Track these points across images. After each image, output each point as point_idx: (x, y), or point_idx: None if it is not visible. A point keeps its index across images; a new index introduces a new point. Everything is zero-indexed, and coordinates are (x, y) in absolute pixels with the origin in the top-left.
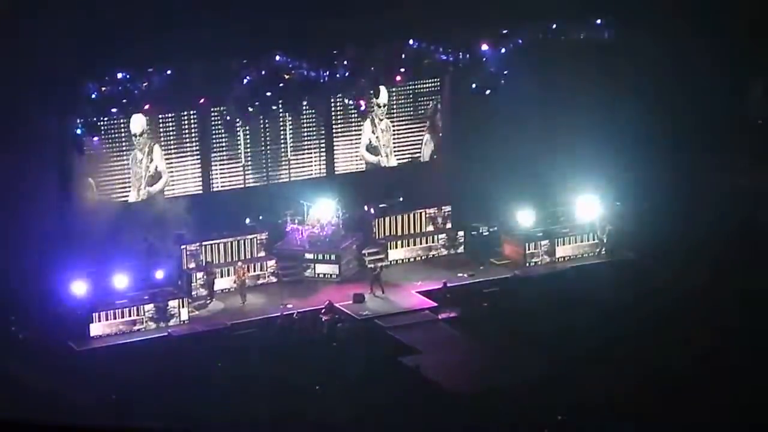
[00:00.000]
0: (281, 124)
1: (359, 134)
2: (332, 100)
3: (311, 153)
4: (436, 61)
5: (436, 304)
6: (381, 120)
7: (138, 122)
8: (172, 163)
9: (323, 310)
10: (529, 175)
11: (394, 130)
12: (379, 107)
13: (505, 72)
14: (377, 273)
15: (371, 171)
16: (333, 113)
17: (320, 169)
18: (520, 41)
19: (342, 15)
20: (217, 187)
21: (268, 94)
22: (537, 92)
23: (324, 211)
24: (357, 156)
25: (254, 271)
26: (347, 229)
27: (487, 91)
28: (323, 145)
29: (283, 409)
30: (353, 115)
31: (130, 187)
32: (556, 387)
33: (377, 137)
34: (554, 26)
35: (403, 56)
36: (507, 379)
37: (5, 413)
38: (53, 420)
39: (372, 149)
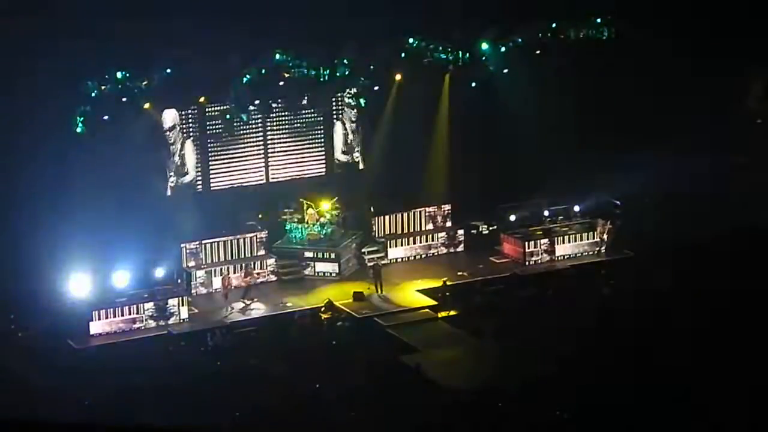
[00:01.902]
0: (281, 122)
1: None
2: (332, 99)
3: (311, 151)
4: (435, 60)
5: (436, 303)
6: (353, 122)
7: (169, 116)
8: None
9: (323, 309)
10: (529, 173)
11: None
12: (351, 108)
13: (505, 71)
14: (378, 271)
15: (371, 169)
16: (333, 111)
17: (320, 167)
18: (520, 40)
19: (342, 13)
20: (216, 185)
21: (268, 92)
22: (537, 91)
23: (324, 210)
24: (349, 157)
25: (254, 274)
26: (347, 227)
27: (486, 100)
28: (323, 143)
29: (283, 407)
30: (354, 114)
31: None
32: (556, 386)
33: (350, 139)
34: (554, 25)
35: (403, 55)
36: (506, 377)
37: (5, 412)
38: (53, 419)
39: (346, 151)
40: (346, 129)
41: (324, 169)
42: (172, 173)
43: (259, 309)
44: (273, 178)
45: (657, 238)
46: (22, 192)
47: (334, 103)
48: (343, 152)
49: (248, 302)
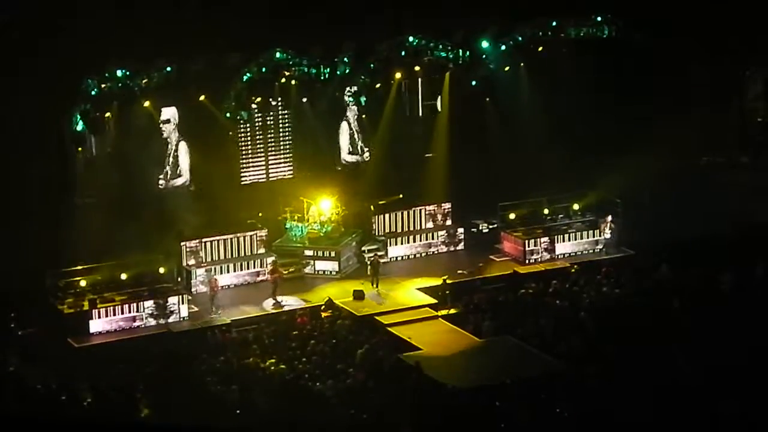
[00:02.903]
0: (281, 120)
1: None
2: (333, 97)
3: (311, 149)
4: (436, 58)
5: (436, 301)
6: (353, 120)
7: (169, 110)
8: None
9: (323, 307)
10: (529, 171)
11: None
12: (351, 106)
13: (506, 69)
14: (375, 265)
15: (371, 168)
16: (333, 109)
17: (319, 165)
18: (520, 38)
19: (342, 11)
20: (216, 184)
21: (268, 90)
22: (537, 89)
23: (324, 208)
24: (354, 154)
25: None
26: (347, 225)
27: (486, 98)
28: (323, 141)
29: (282, 406)
30: (354, 111)
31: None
32: (556, 384)
33: (349, 137)
34: (554, 23)
35: (403, 53)
36: (506, 376)
37: (4, 410)
38: (53, 418)
39: (347, 149)
40: (347, 127)
41: (323, 168)
42: (168, 170)
43: (290, 304)
44: (273, 177)
45: (657, 236)
46: (22, 190)
47: (333, 102)
48: (344, 151)
49: (279, 299)
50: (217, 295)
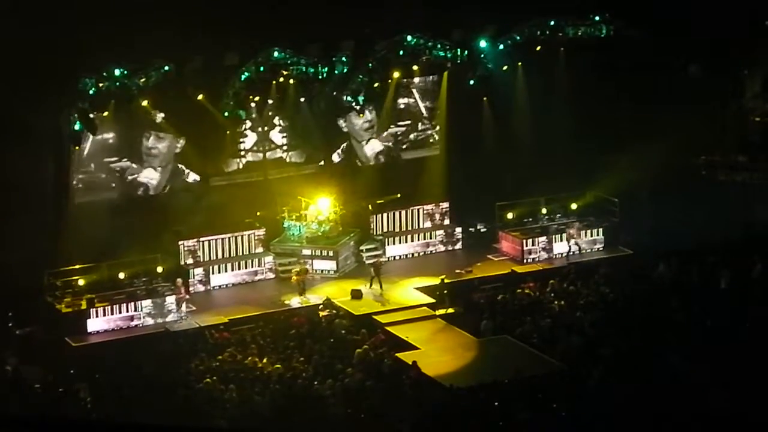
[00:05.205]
0: (279, 119)
1: (357, 129)
2: (331, 96)
3: (310, 148)
4: (434, 57)
5: (434, 301)
6: (351, 119)
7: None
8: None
9: (321, 306)
10: (527, 171)
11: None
12: (349, 105)
13: (504, 68)
14: (378, 268)
15: (370, 166)
16: (331, 109)
17: (318, 164)
18: (518, 38)
19: (341, 10)
20: (216, 182)
21: (266, 89)
22: (534, 88)
23: (322, 207)
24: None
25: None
26: (345, 224)
27: (484, 98)
28: (322, 140)
29: (281, 404)
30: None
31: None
32: (554, 383)
33: (348, 136)
34: (552, 23)
35: (401, 52)
36: (504, 375)
37: (2, 410)
38: (50, 418)
39: (345, 148)
40: (344, 126)
41: (323, 167)
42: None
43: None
44: (272, 176)
45: (655, 235)
46: (20, 189)
47: (331, 101)
48: (342, 149)
49: (306, 297)
50: (184, 299)
